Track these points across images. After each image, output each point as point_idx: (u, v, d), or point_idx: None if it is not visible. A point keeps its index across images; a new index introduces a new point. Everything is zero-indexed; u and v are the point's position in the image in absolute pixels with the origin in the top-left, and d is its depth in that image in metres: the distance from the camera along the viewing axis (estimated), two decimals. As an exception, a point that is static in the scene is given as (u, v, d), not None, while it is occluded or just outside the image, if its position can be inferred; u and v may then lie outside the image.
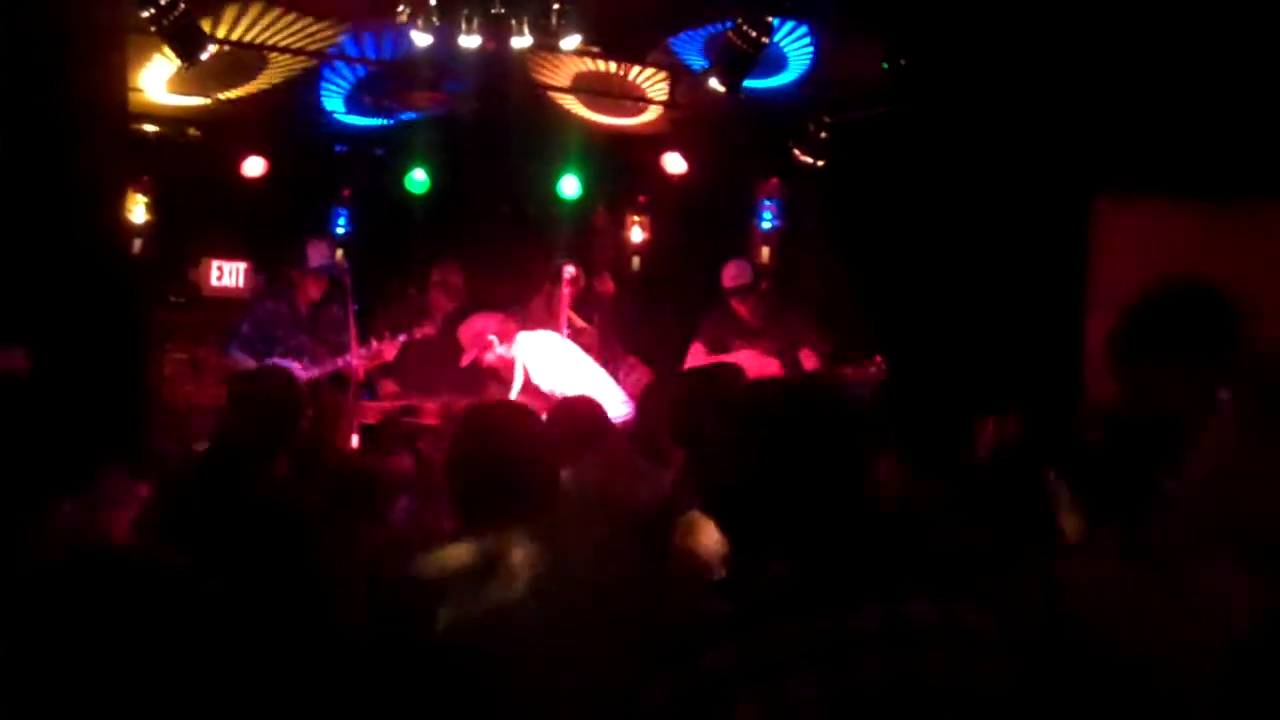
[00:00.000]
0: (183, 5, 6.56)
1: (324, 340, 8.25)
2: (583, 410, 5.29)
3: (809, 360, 8.23)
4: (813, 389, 2.51)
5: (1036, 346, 7.91)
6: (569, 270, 8.14)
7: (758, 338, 8.36)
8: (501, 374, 8.04)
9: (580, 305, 8.35)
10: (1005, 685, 2.21)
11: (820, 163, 8.91)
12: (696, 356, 8.33)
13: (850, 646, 2.14)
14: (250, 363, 8.07)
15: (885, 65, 7.06)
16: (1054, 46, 6.57)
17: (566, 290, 8.08)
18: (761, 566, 2.25)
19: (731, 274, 8.43)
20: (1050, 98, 7.25)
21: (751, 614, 2.19)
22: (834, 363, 8.24)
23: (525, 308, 8.41)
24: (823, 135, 8.83)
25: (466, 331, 8.08)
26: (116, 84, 8.24)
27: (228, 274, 9.93)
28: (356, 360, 7.99)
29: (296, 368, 8.10)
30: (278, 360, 8.10)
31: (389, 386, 8.57)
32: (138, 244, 9.60)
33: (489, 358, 7.85)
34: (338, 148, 10.12)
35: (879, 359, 7.99)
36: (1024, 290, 8.13)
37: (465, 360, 7.95)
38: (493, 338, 7.84)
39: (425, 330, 8.33)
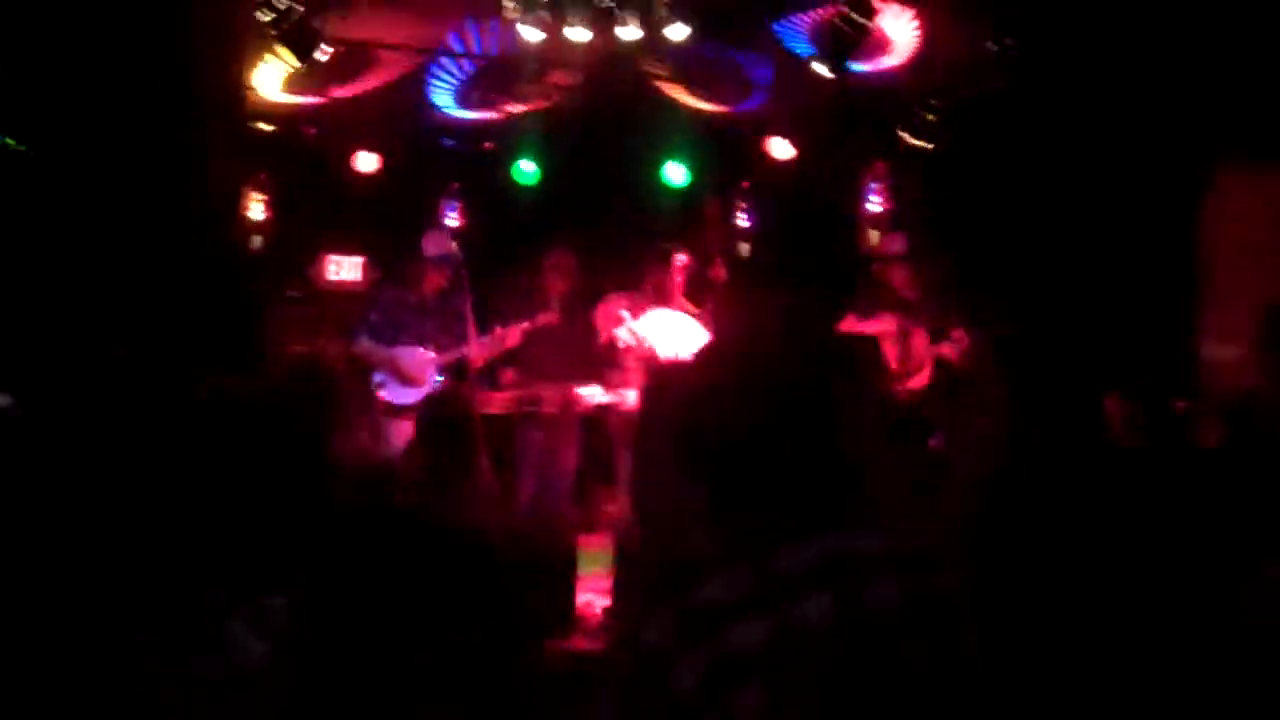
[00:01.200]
0: (298, 8, 6.70)
1: (447, 329, 8.44)
2: None
3: (961, 341, 8.25)
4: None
5: (1152, 325, 7.83)
6: (680, 257, 8.23)
7: (912, 309, 8.43)
8: (626, 357, 8.20)
9: (691, 291, 8.44)
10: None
11: (929, 145, 8.87)
12: (850, 322, 8.44)
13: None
14: (380, 350, 8.28)
15: (992, 45, 7.01)
16: (1164, 14, 6.48)
17: (679, 277, 8.18)
18: None
19: (885, 242, 8.55)
20: (1163, 67, 7.15)
21: None
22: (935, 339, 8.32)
23: (639, 294, 8.52)
24: (930, 118, 8.79)
25: (602, 311, 8.26)
26: (234, 85, 8.47)
27: (344, 268, 10.14)
28: (478, 348, 8.17)
29: (423, 353, 8.32)
30: (404, 346, 8.33)
31: (508, 375, 8.71)
32: (256, 240, 9.86)
33: (622, 335, 8.00)
34: (447, 142, 10.26)
35: (957, 334, 8.09)
36: (1140, 266, 8.04)
37: (602, 339, 8.13)
38: (624, 313, 8.02)
39: (547, 317, 8.48)
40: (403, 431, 7.63)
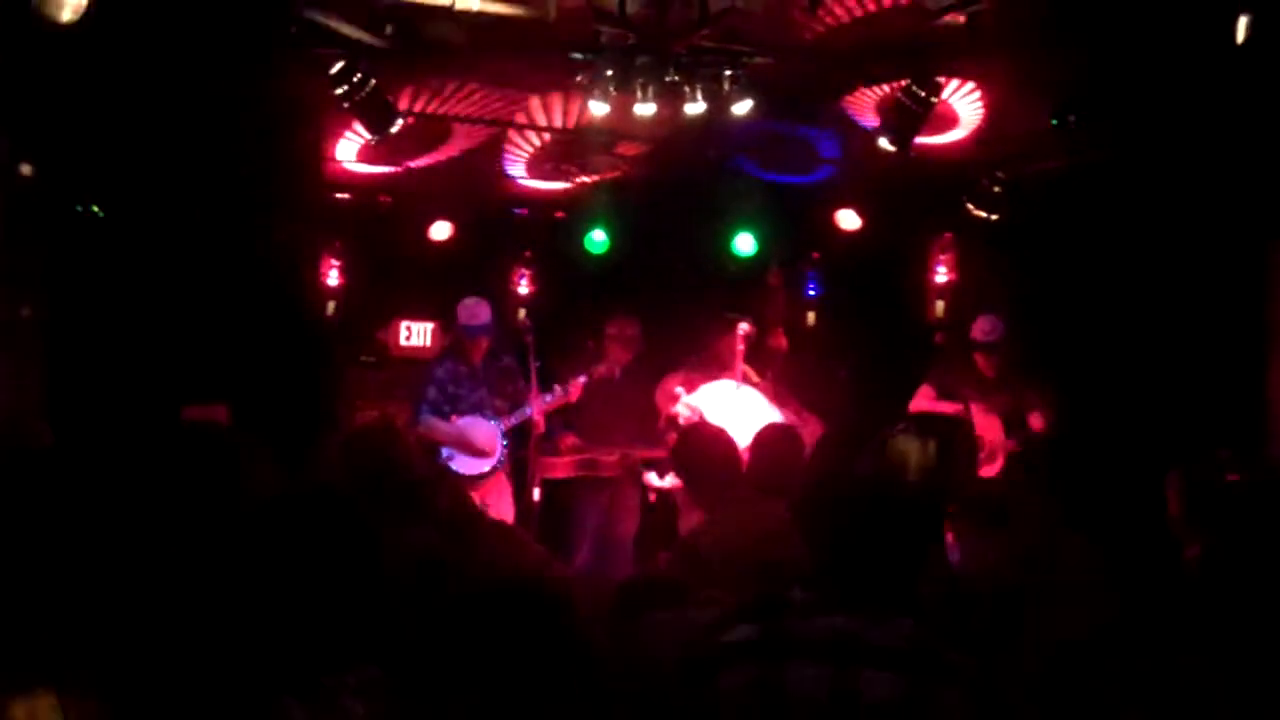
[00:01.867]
0: (373, 82, 6.88)
1: (500, 391, 8.55)
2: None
3: (1036, 422, 8.32)
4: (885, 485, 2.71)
5: (1217, 398, 7.80)
6: (743, 326, 8.32)
7: (990, 392, 8.46)
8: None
9: (753, 360, 8.52)
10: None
11: (994, 217, 8.92)
12: (924, 399, 8.47)
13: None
14: (443, 426, 8.35)
15: (1054, 121, 7.06)
16: (1224, 90, 6.50)
17: (740, 346, 8.26)
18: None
19: (984, 328, 8.67)
20: (1221, 143, 7.18)
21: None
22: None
23: (700, 362, 8.61)
24: (996, 190, 8.85)
25: (661, 390, 8.37)
26: (313, 156, 8.69)
27: (416, 334, 10.31)
28: (539, 407, 8.28)
29: (486, 423, 8.41)
30: (466, 416, 8.42)
31: (568, 440, 8.81)
32: (331, 306, 10.06)
33: (680, 411, 8.10)
34: (518, 211, 10.45)
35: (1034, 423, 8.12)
36: (1203, 340, 8.03)
37: (662, 419, 8.22)
38: (679, 390, 8.12)
39: (602, 371, 8.58)
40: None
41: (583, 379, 8.59)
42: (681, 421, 8.12)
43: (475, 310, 8.54)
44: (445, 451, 8.41)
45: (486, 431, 8.47)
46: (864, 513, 2.51)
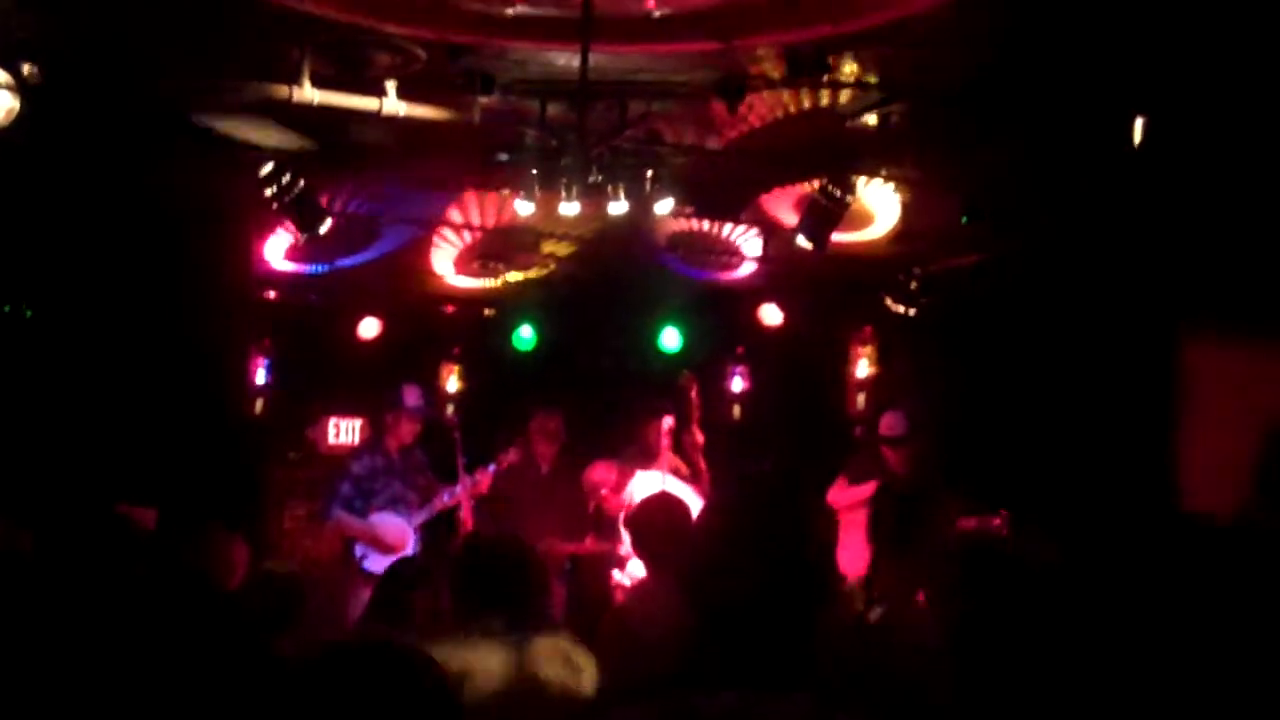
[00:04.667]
0: (302, 182, 6.98)
1: (412, 484, 8.59)
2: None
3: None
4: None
5: (1130, 484, 7.97)
6: (668, 420, 8.45)
7: (900, 483, 8.59)
8: (611, 518, 8.40)
9: (678, 453, 8.64)
10: None
11: (911, 311, 9.13)
12: (839, 489, 8.60)
13: None
14: (355, 523, 8.35)
15: (965, 219, 7.28)
16: (1123, 185, 6.76)
17: (666, 440, 8.39)
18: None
19: (888, 424, 8.80)
20: (1125, 232, 7.44)
21: None
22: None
23: (628, 454, 8.72)
24: (913, 285, 9.07)
25: (588, 476, 8.48)
26: (241, 255, 8.76)
27: (344, 431, 10.35)
28: (449, 500, 8.38)
29: (398, 520, 8.41)
30: (379, 513, 8.42)
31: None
32: (259, 404, 10.07)
33: (611, 499, 8.22)
34: (446, 308, 10.56)
35: (1004, 513, 8.19)
36: (1115, 428, 8.22)
37: (591, 503, 8.33)
38: (610, 476, 8.25)
39: (512, 458, 8.66)
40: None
41: (492, 468, 8.64)
42: (608, 509, 8.25)
43: (418, 393, 8.73)
44: (359, 549, 8.39)
45: (397, 527, 8.43)
46: (759, 585, 2.56)
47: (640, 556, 5.53)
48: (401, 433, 8.62)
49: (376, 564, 8.25)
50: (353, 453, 8.97)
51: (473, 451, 8.66)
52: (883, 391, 10.07)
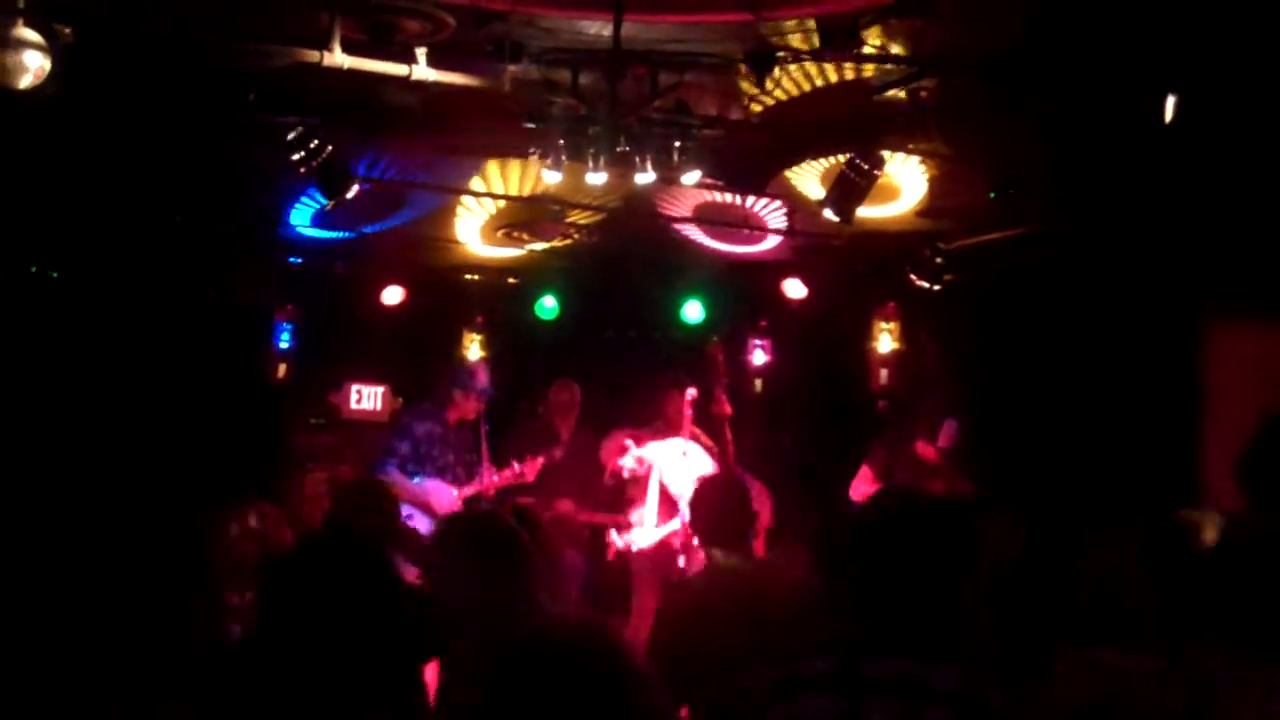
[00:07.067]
0: (330, 148, 6.97)
1: (463, 461, 8.61)
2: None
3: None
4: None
5: (1152, 465, 7.95)
6: (690, 391, 8.46)
7: (925, 479, 8.56)
8: (634, 488, 8.42)
9: (700, 425, 8.65)
10: None
11: (935, 287, 9.10)
12: (864, 481, 8.58)
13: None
14: (408, 483, 8.34)
15: (992, 195, 7.25)
16: (1153, 164, 6.72)
17: (688, 410, 8.40)
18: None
19: (948, 434, 8.73)
20: (1154, 213, 7.40)
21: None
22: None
23: (649, 425, 8.74)
24: (937, 260, 9.03)
25: (607, 445, 8.50)
26: (268, 220, 8.78)
27: (366, 397, 10.38)
28: (493, 479, 8.39)
29: (449, 490, 8.44)
30: (430, 478, 8.45)
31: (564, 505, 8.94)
32: (283, 369, 10.11)
33: (627, 463, 8.23)
34: (470, 276, 10.56)
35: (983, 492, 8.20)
36: (1140, 408, 8.20)
37: (609, 473, 8.35)
38: (629, 442, 8.26)
39: (556, 454, 8.70)
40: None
41: (540, 460, 8.66)
42: (627, 475, 8.26)
43: (490, 376, 8.76)
44: (405, 509, 8.41)
45: (447, 498, 8.44)
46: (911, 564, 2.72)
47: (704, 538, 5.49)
48: (467, 409, 8.61)
49: (422, 526, 8.30)
50: (413, 413, 8.88)
51: (493, 421, 8.69)
52: (905, 367, 10.03)
